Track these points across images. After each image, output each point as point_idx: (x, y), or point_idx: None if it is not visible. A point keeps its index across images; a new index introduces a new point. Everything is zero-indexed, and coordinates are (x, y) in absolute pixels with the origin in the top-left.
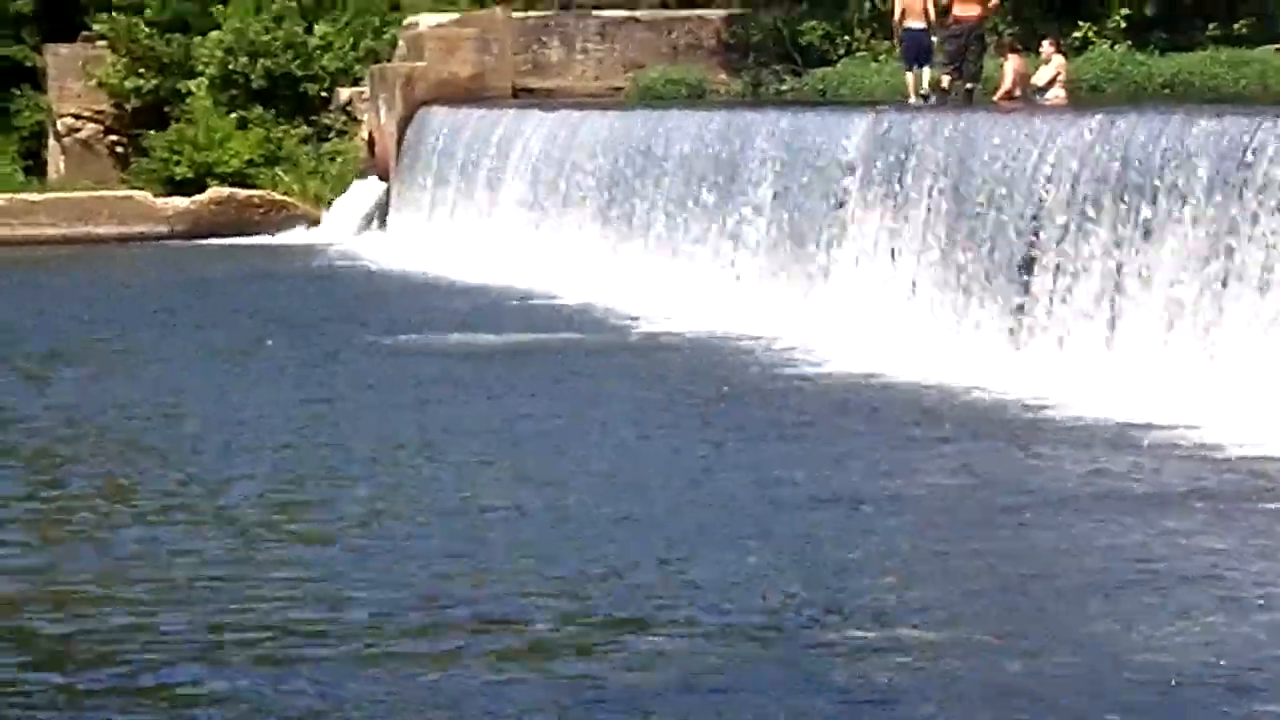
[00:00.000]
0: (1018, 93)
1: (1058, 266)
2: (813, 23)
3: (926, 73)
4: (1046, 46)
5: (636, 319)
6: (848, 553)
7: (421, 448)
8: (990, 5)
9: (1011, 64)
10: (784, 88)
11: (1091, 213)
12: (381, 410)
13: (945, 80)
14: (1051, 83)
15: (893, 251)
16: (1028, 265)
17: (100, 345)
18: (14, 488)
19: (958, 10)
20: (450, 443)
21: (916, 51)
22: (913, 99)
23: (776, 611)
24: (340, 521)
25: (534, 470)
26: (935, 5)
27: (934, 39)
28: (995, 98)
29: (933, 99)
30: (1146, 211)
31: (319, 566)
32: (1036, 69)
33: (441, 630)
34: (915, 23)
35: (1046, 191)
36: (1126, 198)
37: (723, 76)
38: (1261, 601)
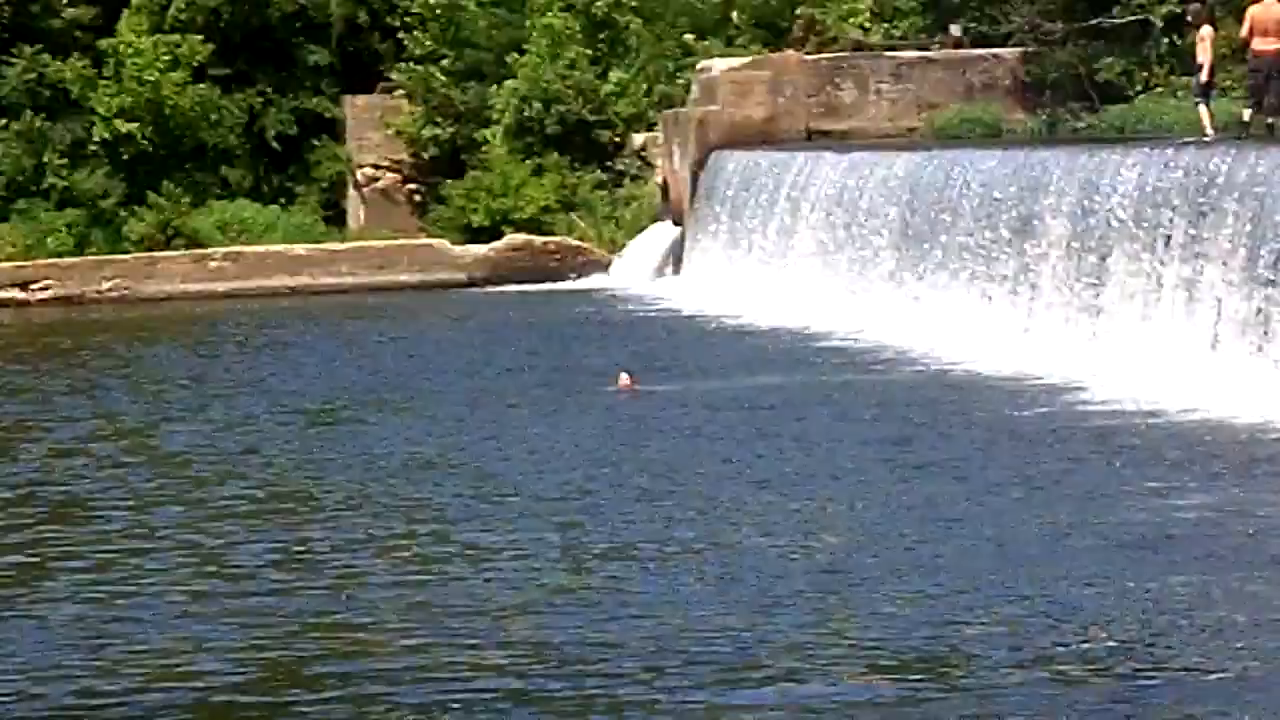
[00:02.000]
0: None
1: None
2: (1110, 59)
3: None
4: None
5: (931, 359)
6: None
7: (715, 488)
8: None
9: None
10: (1080, 125)
11: None
12: (693, 449)
13: (1246, 114)
14: None
15: (1190, 292)
16: None
17: (407, 391)
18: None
19: (1257, 45)
20: (754, 484)
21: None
22: (1209, 134)
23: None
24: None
25: (830, 511)
26: (1214, 46)
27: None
28: None
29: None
30: None
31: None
32: None
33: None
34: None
35: None
36: None
37: (1018, 114)
38: None
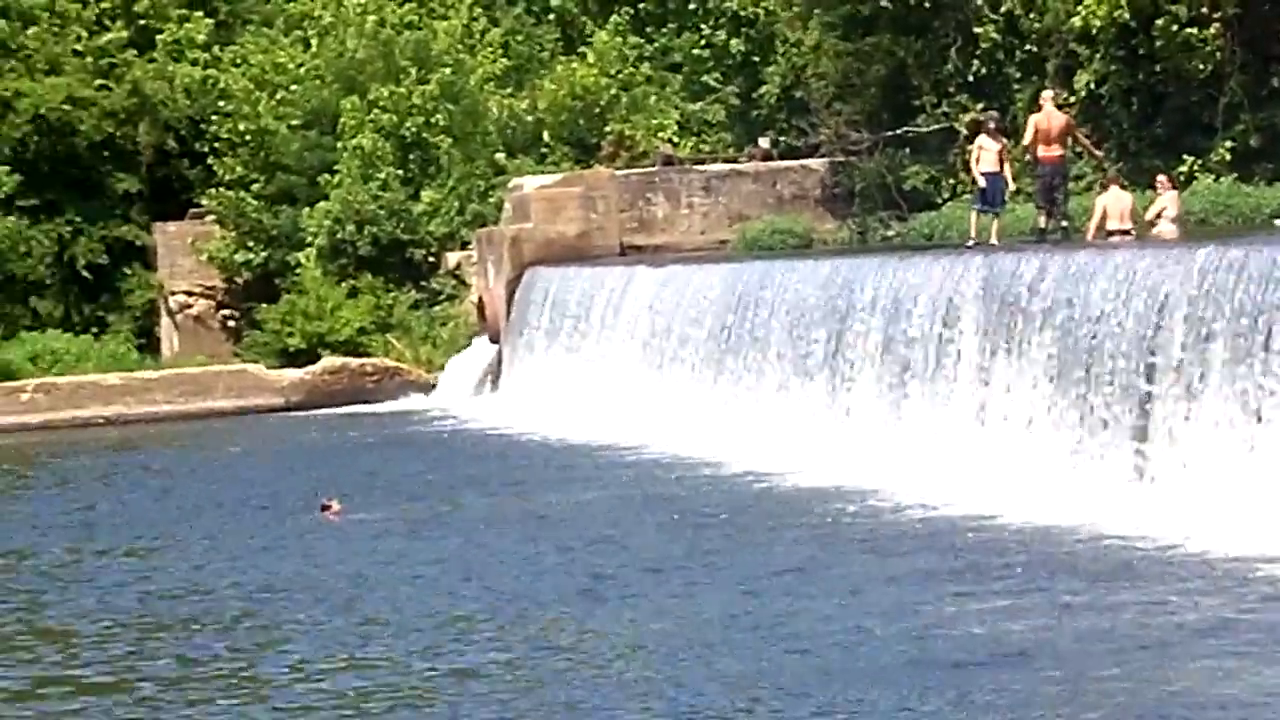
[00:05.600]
0: (1116, 225)
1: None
2: (916, 167)
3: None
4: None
5: (750, 469)
6: None
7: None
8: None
9: (1107, 199)
10: (890, 233)
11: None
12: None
13: (1041, 220)
14: (1159, 216)
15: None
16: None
17: (195, 526)
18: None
19: (1041, 152)
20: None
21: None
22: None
23: None
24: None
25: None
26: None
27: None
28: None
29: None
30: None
31: None
32: (1148, 204)
33: None
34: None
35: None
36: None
37: (829, 224)
38: None
